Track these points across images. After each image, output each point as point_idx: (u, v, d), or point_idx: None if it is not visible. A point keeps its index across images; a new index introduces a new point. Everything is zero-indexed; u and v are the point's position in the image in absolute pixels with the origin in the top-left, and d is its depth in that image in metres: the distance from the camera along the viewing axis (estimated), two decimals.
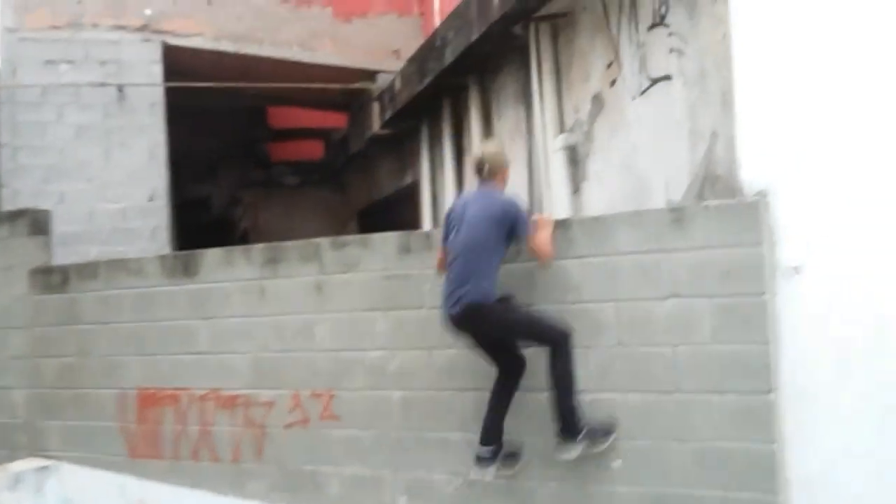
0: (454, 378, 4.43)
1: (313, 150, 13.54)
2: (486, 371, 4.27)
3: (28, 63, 8.68)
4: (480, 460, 4.11)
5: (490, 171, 4.18)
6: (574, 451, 3.94)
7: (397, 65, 9.70)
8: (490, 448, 4.08)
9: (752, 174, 3.95)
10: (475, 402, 4.31)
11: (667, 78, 4.89)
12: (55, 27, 8.83)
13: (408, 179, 10.27)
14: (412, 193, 9.85)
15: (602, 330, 4.07)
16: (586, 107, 5.84)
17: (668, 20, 4.88)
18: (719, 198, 4.17)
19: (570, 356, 3.93)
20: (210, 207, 14.11)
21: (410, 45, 9.91)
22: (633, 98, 5.28)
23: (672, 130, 4.81)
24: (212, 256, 5.29)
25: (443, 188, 8.94)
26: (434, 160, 9.32)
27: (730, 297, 3.80)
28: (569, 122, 6.07)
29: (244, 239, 12.83)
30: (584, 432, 3.94)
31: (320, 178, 13.77)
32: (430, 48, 8.04)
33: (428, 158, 9.40)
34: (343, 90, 10.30)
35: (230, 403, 5.14)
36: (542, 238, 4.06)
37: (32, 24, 8.77)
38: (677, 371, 3.89)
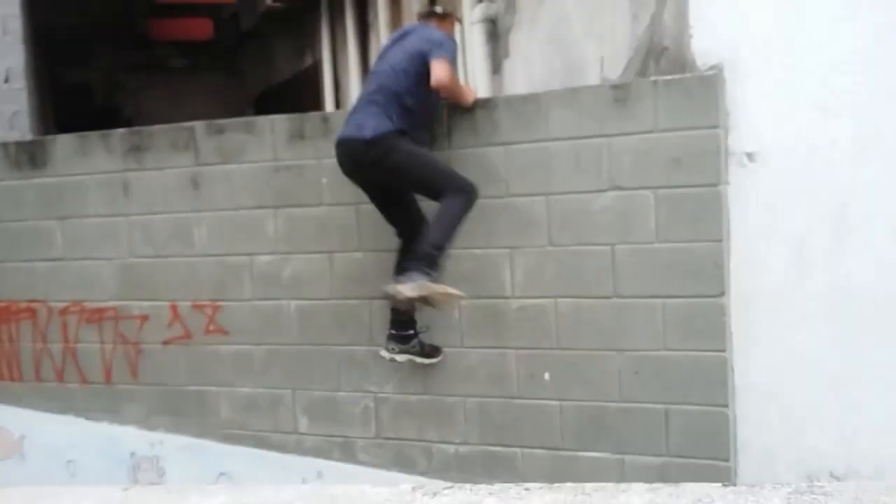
0: (360, 285, 3.82)
1: (201, 29, 12.19)
2: (388, 275, 3.69)
3: None
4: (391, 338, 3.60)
5: (440, 16, 3.70)
6: (414, 286, 3.22)
7: None
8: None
9: (705, 46, 3.37)
10: (383, 311, 3.73)
11: None
12: None
13: (307, 61, 9.33)
14: (313, 77, 8.94)
15: (532, 228, 3.51)
16: None
17: None
18: (665, 74, 3.57)
19: (470, 207, 3.38)
20: (91, 95, 12.77)
21: None
22: None
23: None
24: (63, 144, 4.40)
25: (346, 70, 8.08)
26: (336, 39, 8.41)
27: (679, 188, 3.28)
28: None
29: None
30: (435, 273, 3.28)
31: (211, 61, 12.54)
32: None
33: (329, 36, 8.48)
34: None
35: (97, 317, 4.39)
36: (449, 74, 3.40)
37: None
38: (616, 273, 3.39)
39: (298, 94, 9.62)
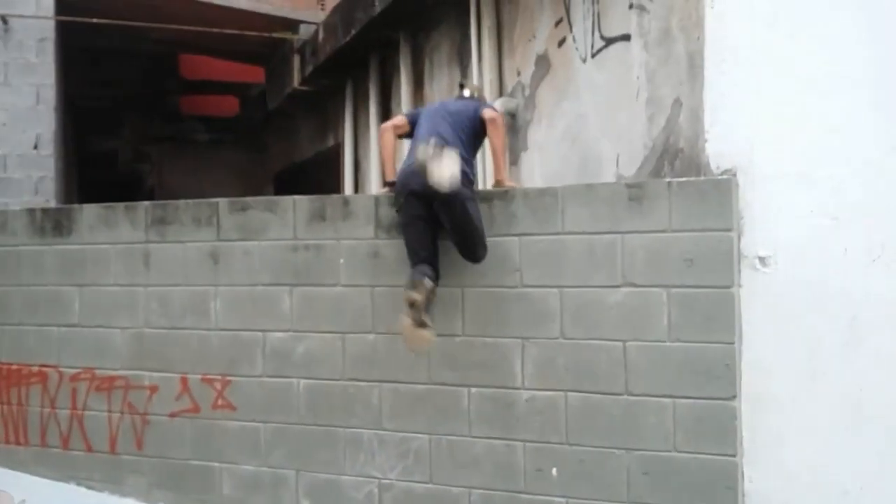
0: (370, 368, 3.83)
1: (229, 106, 12.58)
2: (407, 362, 3.72)
3: None
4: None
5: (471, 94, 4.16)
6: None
7: (322, 16, 8.94)
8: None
9: (719, 150, 3.48)
10: (393, 395, 3.75)
11: (624, 38, 4.36)
12: None
13: (330, 142, 9.57)
14: (334, 157, 9.15)
15: (545, 319, 3.54)
16: (529, 69, 5.28)
17: None
18: (679, 175, 3.68)
19: None
20: (116, 163, 13.09)
21: None
22: (584, 60, 4.74)
23: (627, 97, 4.30)
24: (89, 213, 4.50)
25: (367, 153, 8.27)
26: (358, 122, 8.64)
27: (692, 288, 3.31)
28: (509, 85, 5.51)
29: (151, 198, 11.87)
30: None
31: (236, 137, 12.88)
32: None
33: (352, 120, 8.71)
34: (261, 40, 9.43)
35: (107, 386, 4.40)
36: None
37: None
38: (628, 370, 3.40)
39: (319, 173, 9.84)
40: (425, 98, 7.04)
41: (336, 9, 7.89)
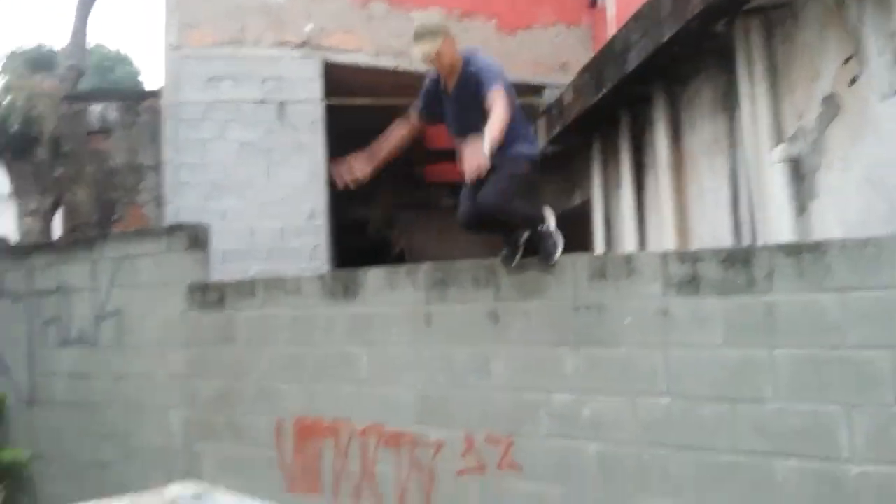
0: (667, 433, 3.60)
1: None
2: (709, 429, 3.46)
3: (191, 80, 8.66)
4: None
5: (437, 53, 3.99)
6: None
7: (565, 78, 9.04)
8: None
9: None
10: (695, 465, 3.49)
11: None
12: (218, 44, 8.78)
13: (576, 200, 9.53)
14: (581, 215, 9.08)
15: (873, 385, 3.13)
16: (814, 111, 4.88)
17: None
18: None
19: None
20: (366, 229, 13.98)
21: (580, 57, 9.25)
22: (884, 98, 4.29)
23: None
24: (373, 277, 4.75)
25: (618, 210, 8.12)
26: (608, 179, 8.54)
27: None
28: (789, 130, 5.13)
29: (400, 262, 12.54)
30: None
31: None
32: (608, 54, 7.28)
33: (601, 177, 8.63)
34: None
35: (395, 441, 4.55)
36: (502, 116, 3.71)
37: (195, 42, 8.76)
38: None
39: (566, 232, 9.79)
40: (683, 152, 6.79)
41: (585, 69, 7.92)
